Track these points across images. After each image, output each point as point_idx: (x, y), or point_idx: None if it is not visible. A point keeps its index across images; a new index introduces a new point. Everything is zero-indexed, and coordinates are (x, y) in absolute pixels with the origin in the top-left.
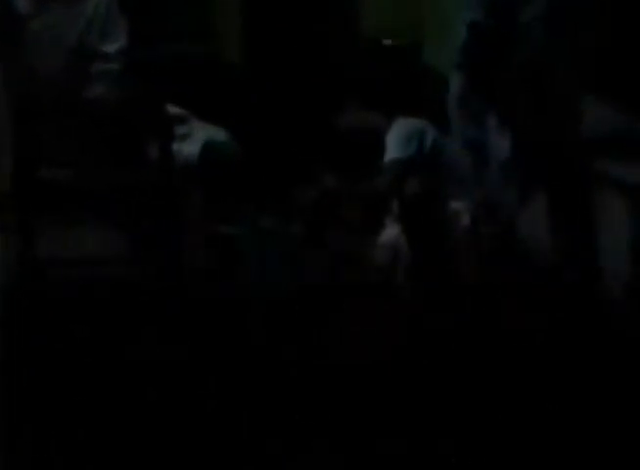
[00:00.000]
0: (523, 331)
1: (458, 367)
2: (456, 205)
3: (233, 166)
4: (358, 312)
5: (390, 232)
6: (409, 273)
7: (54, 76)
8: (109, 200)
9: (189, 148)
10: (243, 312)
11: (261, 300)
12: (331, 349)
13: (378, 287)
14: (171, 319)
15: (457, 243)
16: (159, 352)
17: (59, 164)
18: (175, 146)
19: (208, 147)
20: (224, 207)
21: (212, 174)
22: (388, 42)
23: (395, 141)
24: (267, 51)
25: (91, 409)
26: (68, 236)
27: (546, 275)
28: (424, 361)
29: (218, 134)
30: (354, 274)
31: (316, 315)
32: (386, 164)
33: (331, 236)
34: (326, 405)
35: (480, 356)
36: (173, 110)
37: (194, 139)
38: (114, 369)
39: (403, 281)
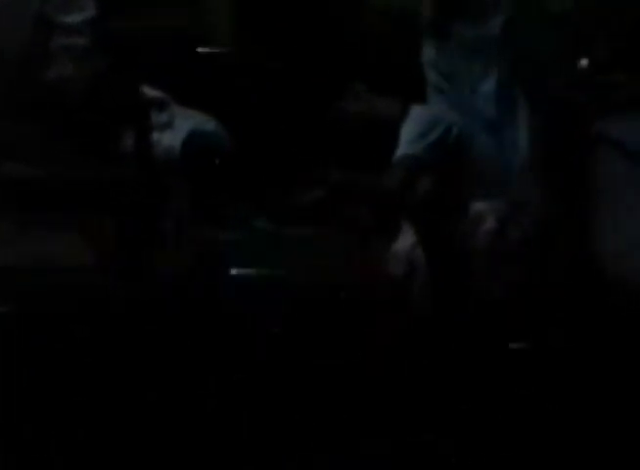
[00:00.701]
0: (557, 348)
1: (485, 391)
2: (480, 205)
3: (223, 161)
4: (368, 326)
5: (405, 240)
6: (426, 288)
7: (8, 53)
8: (76, 199)
9: (170, 139)
10: (236, 324)
11: (257, 311)
12: (332, 365)
13: (389, 302)
14: (153, 334)
15: (480, 250)
16: (136, 369)
17: (16, 157)
18: (154, 137)
19: (193, 138)
20: (213, 207)
21: (199, 170)
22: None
23: (409, 133)
24: (262, 26)
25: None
26: (28, 240)
27: (582, 287)
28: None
29: (205, 123)
30: (362, 287)
31: (319, 329)
32: (396, 160)
33: (336, 241)
34: (328, 421)
35: (512, 377)
36: (151, 93)
37: (176, 129)
38: (75, 384)
39: (419, 297)
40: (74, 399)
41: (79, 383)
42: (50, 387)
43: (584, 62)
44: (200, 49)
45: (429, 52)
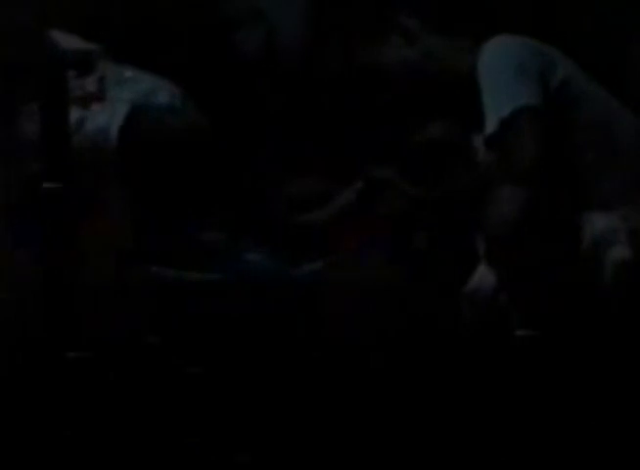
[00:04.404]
0: None
1: None
2: (602, 220)
3: (189, 153)
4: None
5: (484, 275)
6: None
7: None
8: None
9: (100, 119)
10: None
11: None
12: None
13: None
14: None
15: (609, 294)
16: None
17: None
18: (76, 114)
19: (139, 117)
20: (173, 229)
21: (148, 169)
22: None
23: (494, 88)
24: None
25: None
26: None
27: None
28: None
29: (158, 91)
30: (417, 347)
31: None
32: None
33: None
34: None
35: None
36: (71, 44)
37: (110, 102)
38: None
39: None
40: None
41: None
42: None
43: None
44: None
45: None
